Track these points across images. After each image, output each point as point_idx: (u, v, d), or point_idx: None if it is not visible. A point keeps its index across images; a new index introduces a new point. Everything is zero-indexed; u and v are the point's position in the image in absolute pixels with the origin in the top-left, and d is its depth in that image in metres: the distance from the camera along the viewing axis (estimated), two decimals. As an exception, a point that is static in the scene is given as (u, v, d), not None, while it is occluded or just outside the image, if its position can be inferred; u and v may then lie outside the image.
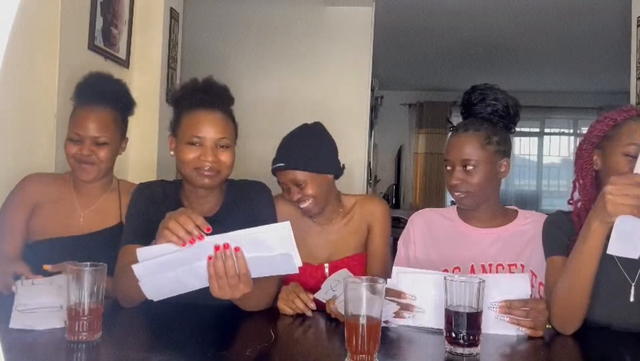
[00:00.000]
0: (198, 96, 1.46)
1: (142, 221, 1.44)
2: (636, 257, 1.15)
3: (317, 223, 1.70)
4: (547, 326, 1.29)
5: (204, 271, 1.18)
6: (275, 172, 1.64)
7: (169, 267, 1.19)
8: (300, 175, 1.59)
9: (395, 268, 1.36)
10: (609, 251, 1.16)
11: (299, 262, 1.19)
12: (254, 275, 1.21)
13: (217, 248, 1.16)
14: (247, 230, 1.18)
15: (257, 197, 1.55)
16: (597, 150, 1.38)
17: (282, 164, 1.60)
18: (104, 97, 1.60)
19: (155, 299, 1.24)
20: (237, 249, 1.17)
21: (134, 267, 1.18)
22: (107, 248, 1.46)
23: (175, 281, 1.21)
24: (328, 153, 1.66)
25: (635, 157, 1.25)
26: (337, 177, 1.69)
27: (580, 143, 1.43)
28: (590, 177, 1.39)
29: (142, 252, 1.19)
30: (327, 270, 1.65)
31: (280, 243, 1.17)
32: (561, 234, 1.40)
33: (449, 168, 1.55)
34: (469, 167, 1.50)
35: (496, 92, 1.55)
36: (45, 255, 1.48)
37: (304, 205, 1.63)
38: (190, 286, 1.23)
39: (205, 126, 1.42)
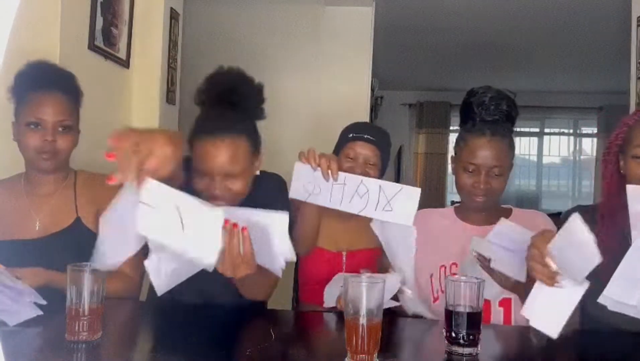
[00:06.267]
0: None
1: None
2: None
3: None
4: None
5: None
6: (355, 139, 1.64)
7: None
8: (377, 157, 1.63)
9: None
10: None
11: (291, 256, 1.19)
12: None
13: (226, 221, 1.14)
14: (247, 210, 1.18)
15: (274, 189, 1.54)
16: (621, 155, 1.37)
17: (372, 138, 1.64)
18: (61, 81, 1.51)
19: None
20: (244, 229, 1.15)
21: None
22: (64, 251, 1.39)
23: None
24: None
25: None
26: None
27: (603, 153, 1.41)
28: (616, 182, 1.37)
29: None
30: (344, 259, 1.61)
31: (273, 231, 1.17)
32: None
33: (471, 170, 1.49)
34: (497, 173, 1.47)
35: (508, 97, 1.53)
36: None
37: None
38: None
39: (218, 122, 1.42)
